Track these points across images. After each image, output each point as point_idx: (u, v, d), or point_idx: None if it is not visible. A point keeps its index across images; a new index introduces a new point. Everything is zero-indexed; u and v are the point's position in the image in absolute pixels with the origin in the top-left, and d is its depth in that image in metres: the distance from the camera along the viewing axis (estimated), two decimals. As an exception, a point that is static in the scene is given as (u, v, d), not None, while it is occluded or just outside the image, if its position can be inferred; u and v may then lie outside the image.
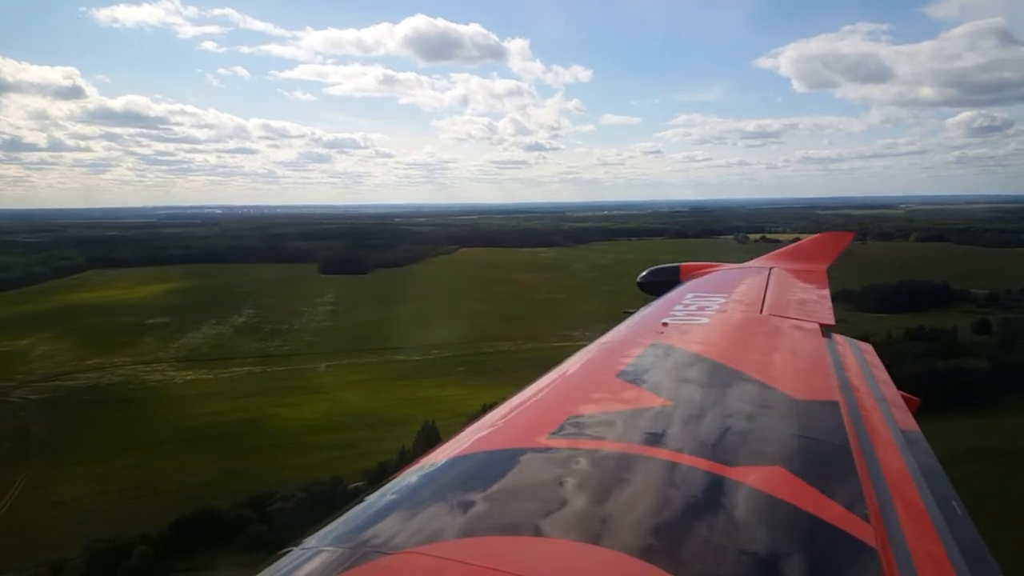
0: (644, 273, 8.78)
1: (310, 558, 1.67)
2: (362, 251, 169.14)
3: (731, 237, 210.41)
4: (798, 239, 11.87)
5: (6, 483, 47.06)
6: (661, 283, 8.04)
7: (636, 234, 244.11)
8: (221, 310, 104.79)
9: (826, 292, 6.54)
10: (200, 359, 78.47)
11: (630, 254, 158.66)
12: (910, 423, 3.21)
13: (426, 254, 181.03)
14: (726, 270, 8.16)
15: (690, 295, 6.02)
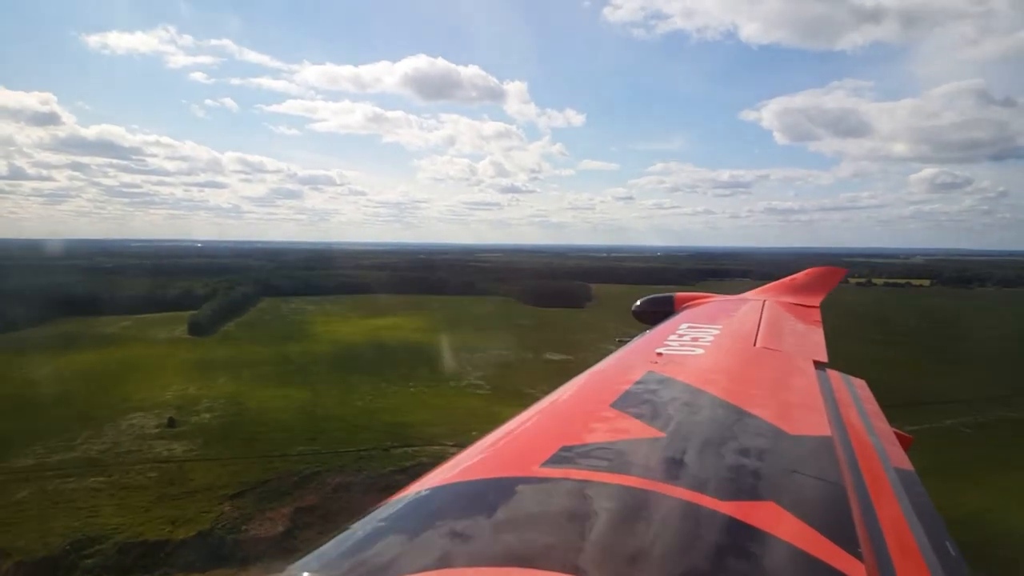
0: (639, 302, 8.69)
1: None
2: (529, 283, 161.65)
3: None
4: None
5: None
6: (656, 313, 8.02)
7: (717, 275, 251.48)
8: (570, 344, 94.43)
9: (819, 327, 6.54)
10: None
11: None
12: (904, 461, 3.18)
13: (588, 290, 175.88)
14: (720, 301, 8.25)
15: (684, 325, 6.04)
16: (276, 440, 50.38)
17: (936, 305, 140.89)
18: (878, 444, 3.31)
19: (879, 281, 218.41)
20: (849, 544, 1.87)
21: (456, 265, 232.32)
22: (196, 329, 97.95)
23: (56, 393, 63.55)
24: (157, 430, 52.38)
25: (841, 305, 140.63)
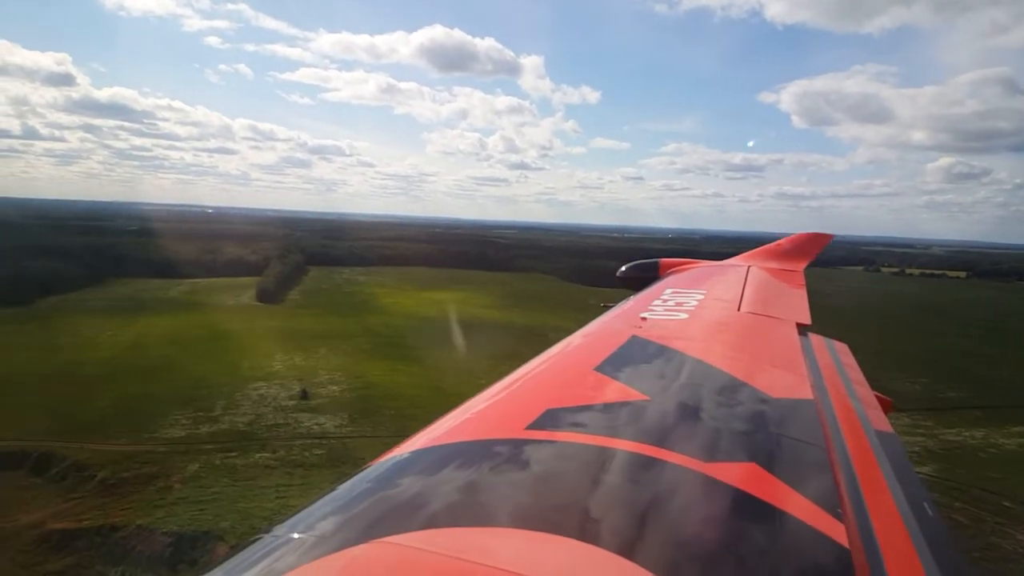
0: (624, 268, 8.59)
1: (281, 545, 1.63)
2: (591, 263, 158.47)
3: (860, 268, 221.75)
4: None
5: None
6: (641, 278, 7.88)
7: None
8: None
9: (803, 292, 6.54)
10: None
11: (859, 282, 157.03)
12: (884, 423, 3.21)
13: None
14: (705, 267, 8.15)
15: (669, 290, 6.05)
16: (426, 419, 47.42)
17: (1000, 299, 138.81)
18: (859, 407, 3.33)
19: (914, 271, 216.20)
20: (829, 505, 1.89)
21: (482, 241, 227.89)
22: (265, 296, 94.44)
23: (157, 358, 60.36)
24: (292, 402, 49.33)
25: (904, 296, 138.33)
